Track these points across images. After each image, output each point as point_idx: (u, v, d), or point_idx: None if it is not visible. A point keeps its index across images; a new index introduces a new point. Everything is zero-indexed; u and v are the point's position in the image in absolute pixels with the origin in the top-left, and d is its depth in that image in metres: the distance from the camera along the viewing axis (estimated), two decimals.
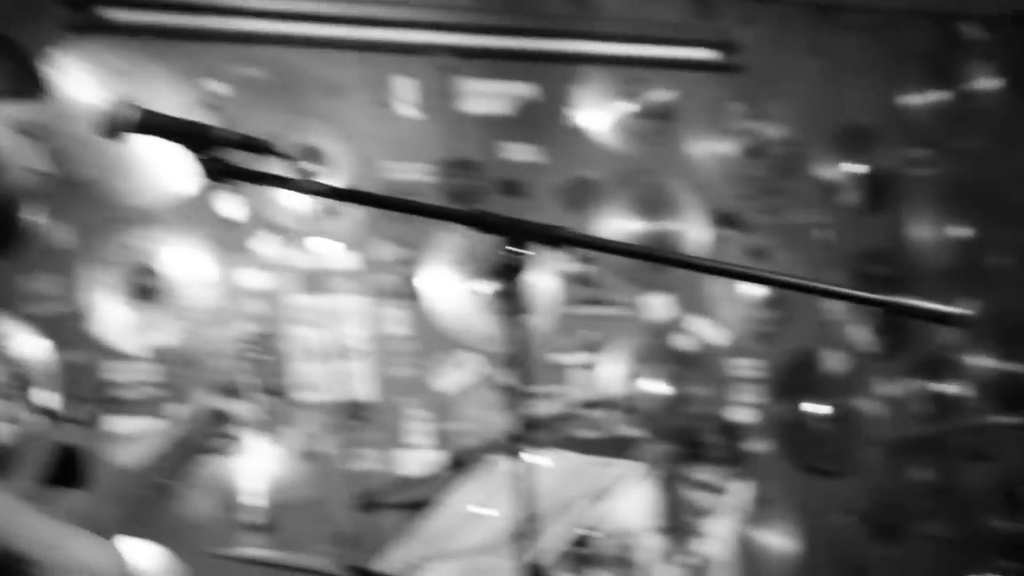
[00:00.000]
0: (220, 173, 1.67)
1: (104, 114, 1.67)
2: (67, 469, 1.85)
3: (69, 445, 1.87)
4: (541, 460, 2.45)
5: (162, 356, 3.82)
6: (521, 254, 1.59)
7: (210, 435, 2.18)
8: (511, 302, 1.58)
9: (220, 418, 2.20)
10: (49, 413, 2.04)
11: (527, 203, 4.25)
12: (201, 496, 3.68)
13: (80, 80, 3.80)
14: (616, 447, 2.90)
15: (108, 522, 1.88)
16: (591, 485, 2.41)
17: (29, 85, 1.89)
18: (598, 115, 4.47)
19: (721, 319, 4.48)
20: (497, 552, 2.28)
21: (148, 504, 1.99)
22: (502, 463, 2.71)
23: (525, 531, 1.64)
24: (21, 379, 1.96)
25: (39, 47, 3.68)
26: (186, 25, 3.97)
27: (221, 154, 1.67)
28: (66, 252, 3.74)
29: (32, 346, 3.58)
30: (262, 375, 2.29)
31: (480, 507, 2.49)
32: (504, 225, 1.61)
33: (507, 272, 1.58)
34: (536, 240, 1.62)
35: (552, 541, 2.07)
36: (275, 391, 2.32)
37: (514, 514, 1.60)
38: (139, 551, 1.87)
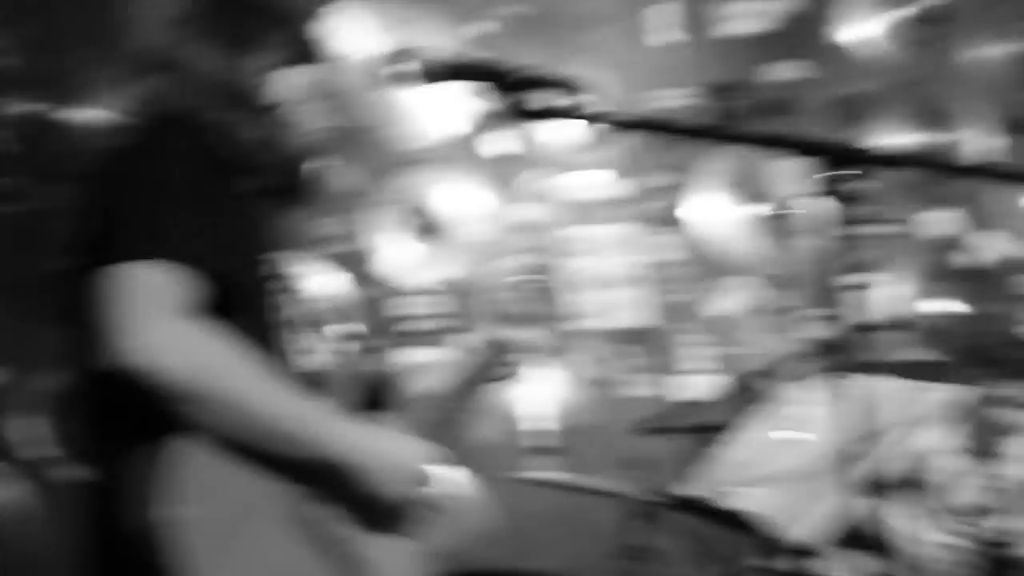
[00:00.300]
0: (516, 113, 1.70)
1: (394, 62, 1.72)
2: (375, 397, 1.95)
3: (376, 373, 1.97)
4: (851, 384, 2.41)
5: (443, 289, 3.99)
6: (839, 175, 1.53)
7: (496, 364, 2.23)
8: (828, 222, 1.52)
9: (504, 347, 2.25)
10: (350, 344, 2.14)
11: (794, 122, 4.14)
12: (490, 422, 3.82)
13: (354, 33, 3.97)
14: (918, 370, 2.79)
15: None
16: (908, 411, 2.35)
17: (308, 49, 1.97)
18: (868, 25, 4.28)
19: (1016, 232, 4.21)
20: (811, 477, 2.27)
21: (444, 431, 2.05)
22: (799, 388, 2.69)
23: (847, 456, 1.61)
24: (316, 315, 2.06)
25: (312, 4, 3.87)
26: None
27: (513, 93, 1.69)
28: (351, 195, 3.94)
29: (326, 283, 3.82)
30: (541, 304, 2.32)
31: (788, 431, 2.47)
32: (809, 146, 1.55)
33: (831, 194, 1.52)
34: (842, 159, 1.55)
35: (870, 466, 2.04)
36: (554, 319, 2.36)
37: (828, 439, 1.58)
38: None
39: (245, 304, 1.77)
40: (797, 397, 2.65)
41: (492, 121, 1.71)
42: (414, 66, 1.73)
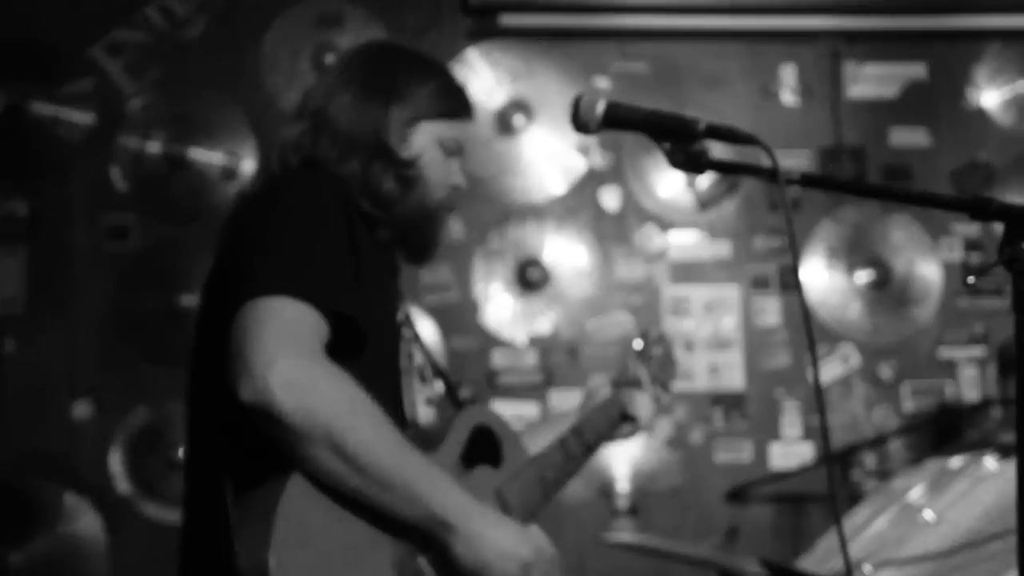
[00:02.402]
0: (687, 164, 1.67)
1: (571, 108, 1.70)
2: (483, 448, 1.93)
3: (485, 425, 1.94)
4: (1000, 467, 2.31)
5: (545, 344, 3.99)
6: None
7: (613, 424, 2.22)
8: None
9: (620, 406, 2.25)
10: (453, 396, 2.14)
11: (914, 188, 4.04)
12: (575, 481, 3.79)
13: (480, 83, 4.04)
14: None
15: (523, 502, 1.93)
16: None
17: (456, 105, 1.97)
18: (996, 93, 4.16)
19: None
20: (942, 560, 2.18)
21: (551, 489, 2.02)
22: (915, 467, 2.59)
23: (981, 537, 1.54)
24: (434, 364, 2.06)
25: (443, 56, 3.96)
26: (575, 25, 4.11)
27: (690, 144, 1.67)
28: (459, 245, 3.99)
29: (426, 333, 3.86)
30: (651, 365, 2.31)
31: (928, 511, 2.38)
32: (1010, 212, 1.46)
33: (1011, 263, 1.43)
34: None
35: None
36: (664, 381, 2.34)
37: (958, 520, 1.49)
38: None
39: (371, 350, 1.77)
40: (914, 475, 2.55)
41: (681, 171, 1.68)
42: (592, 111, 1.71)
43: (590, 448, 2.16)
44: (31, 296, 3.83)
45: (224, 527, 1.65)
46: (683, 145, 1.65)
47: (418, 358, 1.95)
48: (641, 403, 2.26)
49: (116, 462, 3.75)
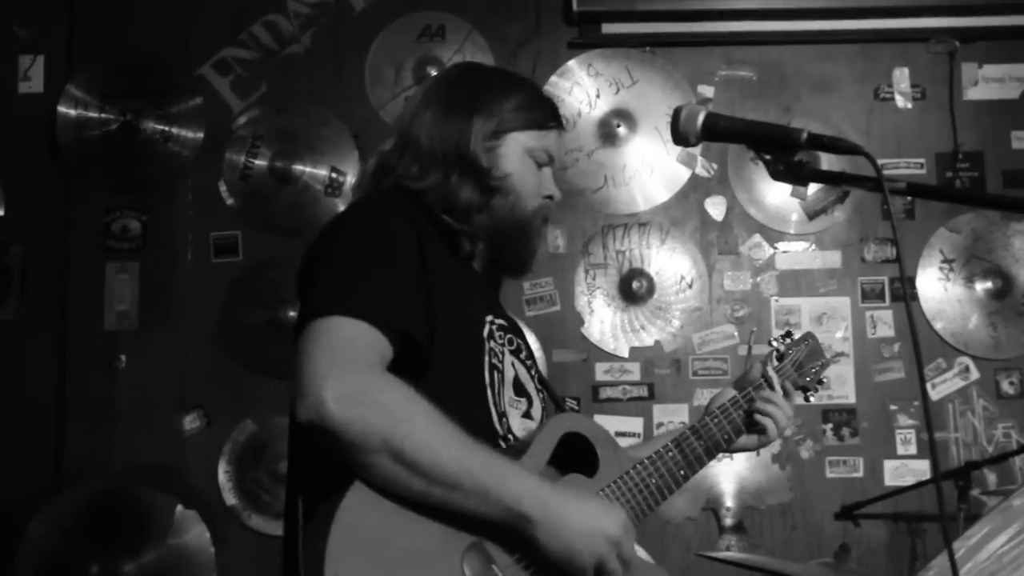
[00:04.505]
0: (789, 175, 1.64)
1: (670, 121, 1.69)
2: (577, 456, 1.89)
3: (577, 432, 1.89)
4: None
5: (649, 357, 3.92)
6: None
7: (737, 429, 2.09)
8: None
9: (747, 411, 2.11)
10: (559, 409, 2.11)
11: None
12: (681, 496, 3.73)
13: (582, 93, 4.01)
14: None
15: (624, 509, 1.87)
16: None
17: (543, 115, 1.99)
18: None
19: None
20: None
21: (656, 496, 1.95)
22: None
23: None
24: (539, 376, 2.06)
25: (545, 66, 3.94)
26: (678, 32, 4.04)
27: (791, 155, 1.63)
28: (561, 256, 3.96)
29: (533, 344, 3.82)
30: (786, 369, 2.17)
31: None
32: None
33: None
34: None
35: None
36: (805, 386, 2.21)
37: None
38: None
39: (445, 364, 1.78)
40: None
41: (786, 183, 1.64)
42: (693, 122, 1.68)
43: (707, 453, 2.05)
44: (143, 310, 3.91)
45: (293, 541, 1.67)
46: (785, 156, 1.61)
47: (512, 370, 1.93)
48: (772, 409, 2.10)
49: (223, 474, 3.81)
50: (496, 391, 1.87)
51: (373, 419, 1.62)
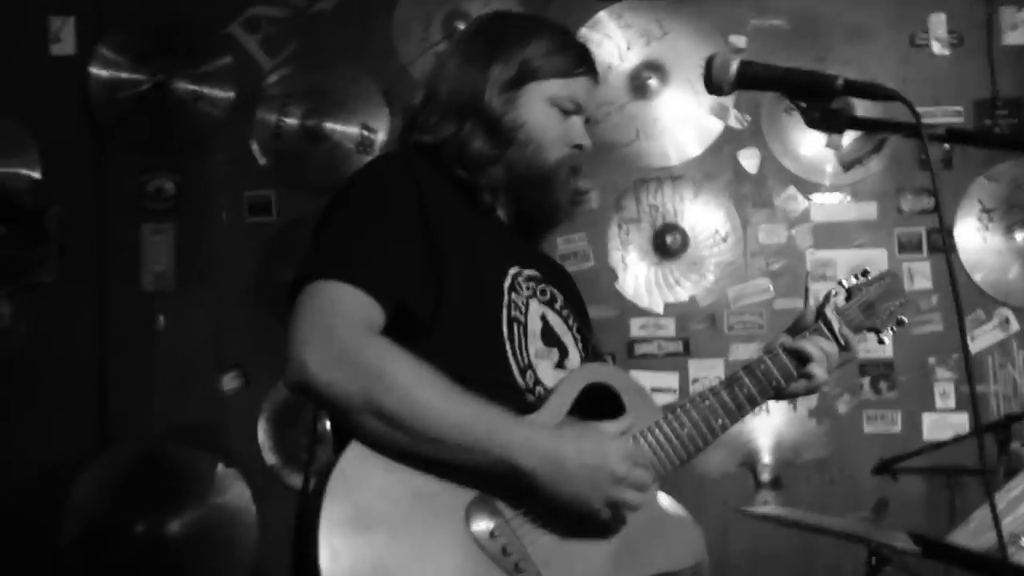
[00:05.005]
0: (825, 123, 1.61)
1: (705, 70, 1.66)
2: (604, 406, 1.84)
3: (602, 383, 1.85)
4: None
5: (684, 312, 3.91)
6: None
7: (785, 373, 1.96)
8: None
9: (797, 352, 1.97)
10: (597, 358, 2.06)
11: None
12: (718, 452, 3.74)
13: (612, 46, 3.96)
14: None
15: (654, 459, 1.83)
16: None
17: (568, 62, 1.94)
18: None
19: None
20: None
21: (690, 444, 1.86)
22: None
23: None
24: (576, 326, 2.03)
25: (574, 19, 3.90)
26: None
27: (828, 102, 1.61)
28: (594, 212, 3.92)
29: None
30: (851, 311, 2.04)
31: None
32: None
33: None
34: None
35: None
36: (875, 326, 2.10)
37: None
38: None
39: (455, 320, 1.77)
40: None
41: (821, 131, 1.62)
42: (727, 70, 1.65)
43: (750, 400, 1.94)
44: (179, 271, 3.93)
45: (307, 494, 1.67)
46: (821, 103, 1.59)
47: (539, 321, 1.90)
48: (820, 349, 1.96)
49: (263, 433, 3.83)
50: (517, 344, 1.84)
51: (352, 379, 1.63)
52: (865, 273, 2.10)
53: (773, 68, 1.65)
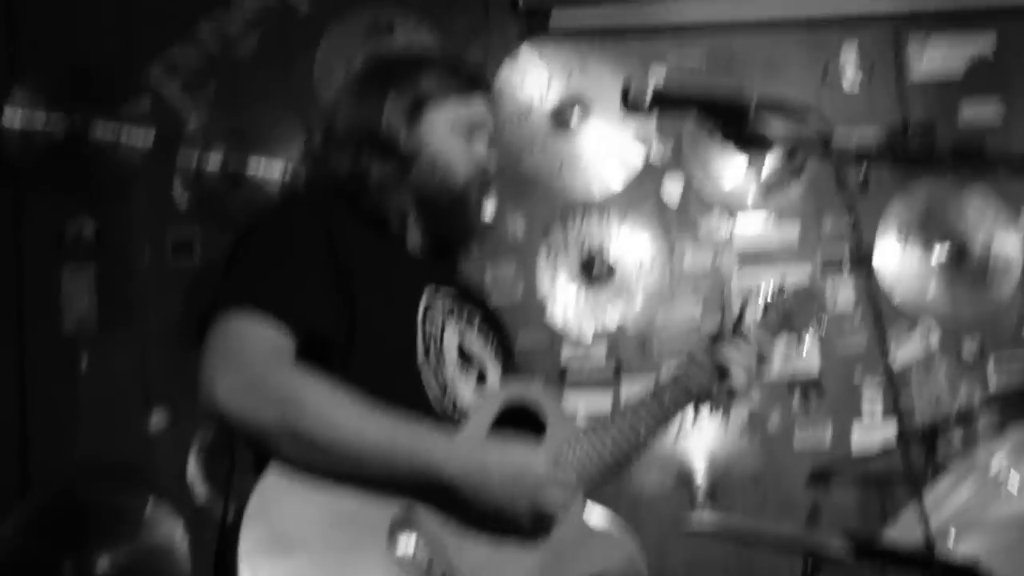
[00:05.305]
0: (739, 139, 1.64)
1: (623, 90, 1.69)
2: (525, 424, 1.84)
3: (523, 399, 1.85)
4: None
5: (614, 338, 3.93)
6: None
7: (704, 382, 1.99)
8: None
9: (720, 371, 2.00)
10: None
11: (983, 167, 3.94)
12: (653, 469, 3.75)
13: (533, 82, 4.01)
14: None
15: (578, 474, 1.83)
16: None
17: (461, 83, 1.97)
18: None
19: None
20: None
21: (615, 459, 1.88)
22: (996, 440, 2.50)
23: None
24: (500, 347, 2.03)
25: (497, 58, 3.95)
26: (628, 21, 4.04)
27: (743, 120, 1.63)
28: (521, 243, 3.97)
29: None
30: (768, 320, 2.10)
31: (1012, 476, 2.29)
32: None
33: None
34: None
35: None
36: (793, 329, 2.16)
37: None
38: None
39: (368, 348, 1.78)
40: (997, 444, 2.48)
41: (737, 150, 1.65)
42: (642, 93, 1.68)
43: (674, 407, 1.96)
44: (101, 313, 3.87)
45: (228, 522, 1.67)
46: (736, 122, 1.63)
47: (455, 338, 1.91)
48: (738, 356, 2.01)
49: (193, 470, 3.76)
50: (433, 363, 1.85)
51: (264, 405, 1.64)
52: (782, 288, 2.17)
53: (689, 87, 1.70)
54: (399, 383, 1.80)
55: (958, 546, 2.24)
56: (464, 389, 1.87)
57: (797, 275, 3.92)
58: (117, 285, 3.89)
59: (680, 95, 1.71)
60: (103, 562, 3.61)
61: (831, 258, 3.98)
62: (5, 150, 3.87)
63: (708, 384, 2.00)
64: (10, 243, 3.88)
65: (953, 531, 2.24)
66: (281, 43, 4.02)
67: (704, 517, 3.12)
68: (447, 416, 1.81)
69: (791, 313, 2.16)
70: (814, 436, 3.87)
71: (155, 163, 3.91)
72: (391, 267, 1.88)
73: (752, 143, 1.67)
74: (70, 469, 3.75)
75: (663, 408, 1.95)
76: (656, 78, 1.73)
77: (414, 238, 1.97)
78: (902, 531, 2.38)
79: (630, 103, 1.71)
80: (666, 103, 1.71)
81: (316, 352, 1.74)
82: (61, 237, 3.89)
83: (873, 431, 3.84)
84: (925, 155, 3.70)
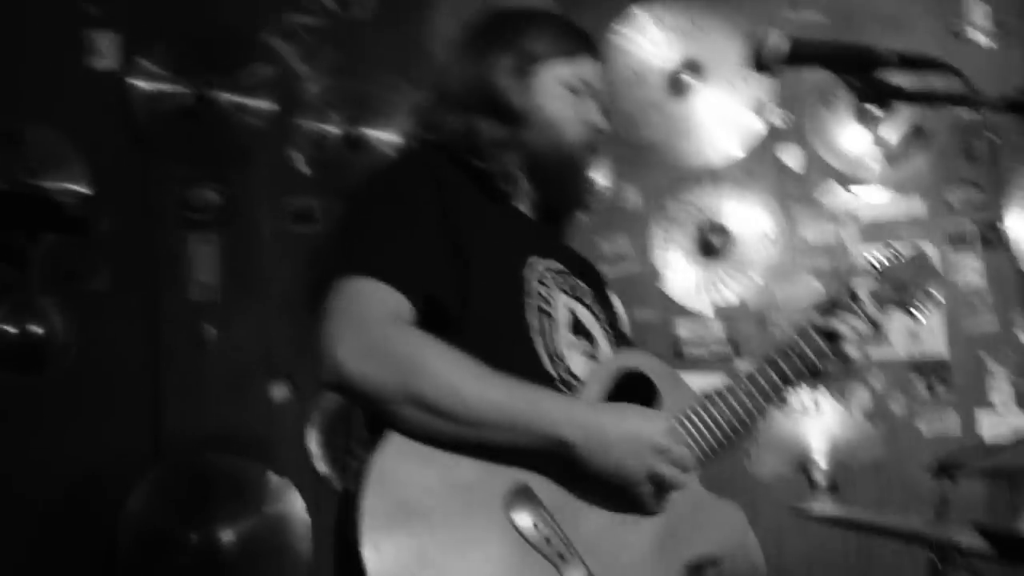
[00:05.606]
0: (875, 96, 1.60)
1: (752, 46, 1.65)
2: (638, 395, 1.83)
3: (635, 369, 1.84)
4: None
5: (731, 313, 3.89)
6: None
7: (819, 352, 1.92)
8: None
9: (832, 341, 1.93)
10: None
11: None
12: (771, 454, 3.72)
13: (648, 45, 3.95)
14: None
15: (691, 445, 1.81)
16: None
17: (574, 45, 1.97)
18: None
19: None
20: None
21: (729, 431, 1.85)
22: None
23: None
24: (605, 317, 2.03)
25: (609, 18, 3.89)
26: None
27: (878, 75, 1.58)
28: (636, 213, 3.92)
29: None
30: (883, 289, 2.01)
31: None
32: None
33: None
34: None
35: None
36: (905, 303, 2.06)
37: None
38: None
39: (479, 312, 1.78)
40: None
41: (865, 106, 1.61)
42: (775, 48, 1.64)
43: (785, 381, 1.90)
44: (226, 282, 3.94)
45: (348, 494, 1.67)
46: (870, 78, 1.58)
47: (567, 313, 1.90)
48: (851, 328, 1.93)
49: (314, 442, 3.82)
50: (546, 333, 1.85)
51: (387, 370, 1.64)
52: (896, 252, 2.08)
53: (823, 43, 1.65)
54: (513, 347, 1.80)
55: None
56: (576, 361, 1.87)
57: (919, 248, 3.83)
58: (240, 253, 3.95)
59: (814, 52, 1.65)
60: (227, 534, 3.69)
61: (958, 231, 3.87)
62: (135, 117, 3.95)
63: (820, 355, 1.93)
64: (139, 209, 3.96)
65: None
66: (398, 7, 4.02)
67: (824, 505, 3.10)
68: (562, 384, 1.82)
69: (905, 283, 2.06)
70: (941, 423, 3.79)
71: (276, 130, 3.95)
72: (498, 229, 1.88)
73: (887, 99, 1.61)
74: (197, 439, 3.84)
75: (771, 383, 1.90)
76: (786, 35, 1.65)
77: (524, 201, 1.98)
78: None
79: (761, 62, 1.65)
80: (799, 60, 1.66)
81: (433, 316, 1.75)
82: (187, 204, 3.98)
83: (1004, 419, 3.75)
84: None
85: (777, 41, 1.63)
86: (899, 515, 2.80)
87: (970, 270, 3.85)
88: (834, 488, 3.71)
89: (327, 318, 1.69)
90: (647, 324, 3.86)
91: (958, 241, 3.87)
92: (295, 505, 3.75)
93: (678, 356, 3.87)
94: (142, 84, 3.98)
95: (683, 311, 3.89)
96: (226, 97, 3.98)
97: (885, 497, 3.74)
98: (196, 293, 3.95)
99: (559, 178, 1.96)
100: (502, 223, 1.90)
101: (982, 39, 3.92)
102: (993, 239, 3.82)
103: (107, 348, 3.88)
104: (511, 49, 1.92)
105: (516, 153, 1.92)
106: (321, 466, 3.82)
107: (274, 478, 3.76)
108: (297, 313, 3.87)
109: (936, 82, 1.61)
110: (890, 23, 3.94)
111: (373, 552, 1.58)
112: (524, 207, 1.97)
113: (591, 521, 1.74)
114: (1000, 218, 3.81)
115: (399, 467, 1.64)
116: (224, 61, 3.99)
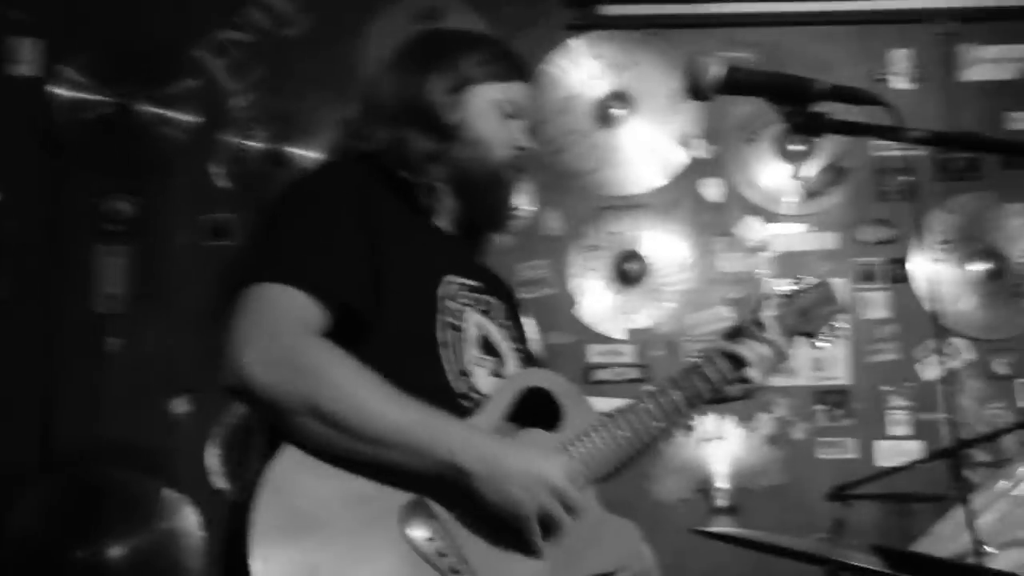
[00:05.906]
0: (807, 127, 1.61)
1: (689, 74, 1.66)
2: (541, 412, 1.85)
3: (540, 388, 1.86)
4: None
5: (643, 338, 3.90)
6: None
7: (722, 375, 1.99)
8: None
9: (732, 353, 2.01)
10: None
11: None
12: (674, 478, 3.73)
13: (580, 75, 3.98)
14: None
15: (590, 464, 1.83)
16: None
17: (506, 68, 1.98)
18: None
19: None
20: None
21: (629, 450, 1.88)
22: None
23: None
24: (515, 336, 2.02)
25: (543, 47, 3.92)
26: (677, 13, 4.00)
27: (811, 107, 1.59)
28: (557, 239, 3.94)
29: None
30: (788, 314, 2.09)
31: None
32: None
33: None
34: None
35: None
36: (810, 331, 2.15)
37: None
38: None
39: (390, 324, 1.76)
40: None
41: (798, 137, 1.63)
42: (712, 77, 1.65)
43: (688, 403, 1.96)
44: (133, 294, 3.90)
45: (236, 502, 1.64)
46: (803, 108, 1.59)
47: (476, 329, 1.90)
48: (755, 353, 2.01)
49: (213, 458, 3.78)
50: (454, 349, 1.84)
51: (293, 380, 1.62)
52: (798, 281, 2.16)
53: (759, 73, 1.66)
54: (420, 363, 1.80)
55: (992, 563, 2.20)
56: (481, 377, 1.87)
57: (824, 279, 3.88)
58: (150, 266, 3.91)
59: (748, 81, 1.66)
60: (116, 549, 3.64)
61: (866, 267, 3.92)
62: (53, 123, 3.91)
63: (723, 379, 2.00)
64: (47, 217, 3.91)
65: (991, 547, 2.20)
66: (330, 27, 4.02)
67: (723, 527, 3.10)
68: (464, 399, 1.82)
69: (808, 311, 2.14)
70: (839, 450, 3.82)
71: (197, 144, 3.94)
72: (416, 243, 1.87)
73: (818, 129, 1.63)
74: (90, 452, 3.77)
75: (674, 404, 1.94)
76: (722, 63, 1.66)
77: (446, 217, 1.98)
78: (935, 543, 2.34)
79: (696, 89, 1.65)
80: (733, 89, 1.66)
81: (346, 325, 1.73)
82: (98, 213, 3.92)
83: (899, 447, 3.78)
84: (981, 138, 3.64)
85: (716, 68, 1.64)
86: (796, 536, 2.81)
87: (875, 304, 3.89)
88: (734, 511, 3.72)
89: (237, 321, 1.67)
90: (560, 347, 3.86)
91: (866, 277, 3.91)
92: (188, 520, 3.70)
93: (588, 379, 3.87)
94: (63, 92, 3.95)
95: (596, 336, 3.90)
96: (149, 109, 3.96)
97: (784, 520, 3.73)
98: (100, 304, 3.90)
99: (483, 194, 1.97)
100: (420, 238, 1.90)
101: (903, 85, 3.99)
102: (900, 276, 3.86)
103: (0, 354, 3.82)
104: (447, 68, 1.93)
105: (443, 167, 1.92)
106: (219, 481, 3.77)
107: (169, 493, 3.70)
108: (203, 327, 3.82)
109: (866, 116, 1.62)
110: (817, 66, 4.00)
111: (262, 565, 1.55)
112: (445, 222, 1.98)
113: (485, 541, 1.73)
114: (907, 256, 3.86)
115: (294, 478, 1.62)
116: (151, 73, 3.97)
